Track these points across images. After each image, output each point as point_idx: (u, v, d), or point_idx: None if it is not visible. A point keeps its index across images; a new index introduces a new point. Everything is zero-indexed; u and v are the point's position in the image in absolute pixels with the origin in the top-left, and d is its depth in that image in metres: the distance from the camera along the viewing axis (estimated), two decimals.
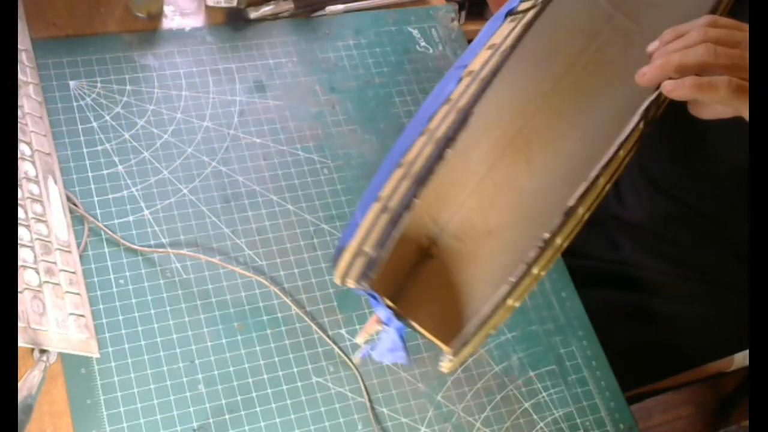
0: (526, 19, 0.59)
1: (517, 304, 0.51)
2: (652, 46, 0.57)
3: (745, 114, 0.52)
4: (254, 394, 0.65)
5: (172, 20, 0.82)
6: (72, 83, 0.75)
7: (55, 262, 0.63)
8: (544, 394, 0.71)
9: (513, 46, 0.58)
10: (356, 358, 0.66)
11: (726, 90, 0.52)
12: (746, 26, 0.54)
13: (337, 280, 0.52)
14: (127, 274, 0.67)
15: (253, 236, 0.72)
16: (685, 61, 0.53)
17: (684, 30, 0.55)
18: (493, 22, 0.63)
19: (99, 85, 0.75)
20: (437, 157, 0.53)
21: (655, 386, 0.95)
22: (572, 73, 0.61)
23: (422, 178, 0.53)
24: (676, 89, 0.53)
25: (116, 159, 0.72)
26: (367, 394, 0.67)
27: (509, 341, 0.72)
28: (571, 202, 0.52)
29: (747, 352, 0.93)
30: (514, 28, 0.59)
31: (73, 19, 0.78)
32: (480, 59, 0.59)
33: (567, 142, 0.59)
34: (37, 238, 0.62)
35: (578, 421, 0.70)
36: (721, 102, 0.53)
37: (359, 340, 0.57)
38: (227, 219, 0.72)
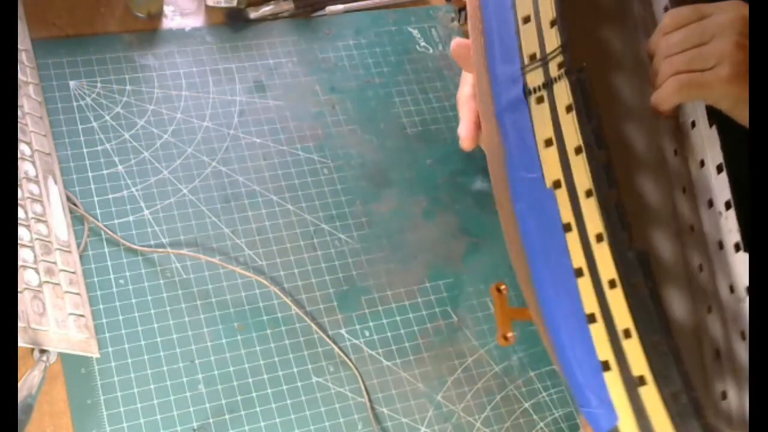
0: (564, 100, 0.49)
1: None
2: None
3: (703, 98, 0.52)
4: (254, 394, 0.65)
5: (172, 20, 0.82)
6: (72, 83, 0.75)
7: (55, 262, 0.63)
8: (544, 394, 0.71)
9: (597, 143, 0.47)
10: None
11: (674, 89, 0.51)
12: (705, 9, 0.52)
13: None
14: (127, 274, 0.67)
15: (253, 236, 0.72)
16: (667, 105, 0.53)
17: (651, 51, 0.54)
18: (514, 108, 0.51)
19: (99, 85, 0.75)
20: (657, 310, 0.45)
21: None
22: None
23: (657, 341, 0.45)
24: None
25: (116, 159, 0.72)
26: (367, 394, 0.67)
27: None
28: None
29: None
30: (555, 113, 0.49)
31: (73, 19, 0.78)
32: (552, 162, 0.49)
33: None
34: (37, 238, 0.62)
35: (578, 421, 0.70)
36: (680, 101, 0.52)
37: None
38: (227, 219, 0.72)
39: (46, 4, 0.78)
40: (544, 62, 0.49)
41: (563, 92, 0.48)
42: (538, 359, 0.72)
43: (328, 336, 0.68)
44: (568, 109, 0.48)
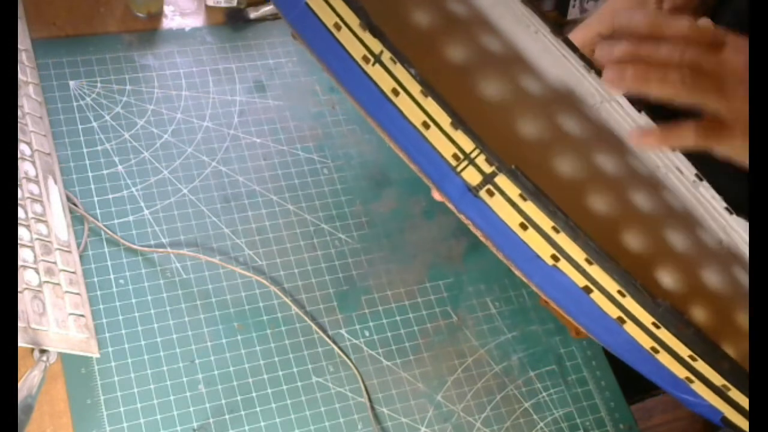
0: (514, 189, 0.49)
1: None
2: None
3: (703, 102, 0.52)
4: (254, 394, 0.65)
5: (172, 20, 0.82)
6: (72, 83, 0.75)
7: (55, 262, 0.63)
8: (544, 394, 0.71)
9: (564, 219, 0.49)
10: None
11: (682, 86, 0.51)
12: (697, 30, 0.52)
13: None
14: (127, 274, 0.67)
15: (253, 236, 0.72)
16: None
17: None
18: (470, 205, 0.52)
19: (99, 85, 0.75)
20: None
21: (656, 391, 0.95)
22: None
23: None
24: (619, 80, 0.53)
25: (116, 159, 0.72)
26: (367, 394, 0.67)
27: (509, 341, 0.72)
28: None
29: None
30: (513, 202, 0.50)
31: (73, 19, 0.78)
32: (539, 242, 0.50)
33: None
34: (37, 238, 0.62)
35: (578, 421, 0.70)
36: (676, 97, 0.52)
37: None
38: (227, 219, 0.72)
39: (46, 4, 0.78)
40: (471, 161, 0.50)
41: (508, 184, 0.49)
42: (538, 359, 0.72)
43: (328, 336, 0.68)
44: (522, 197, 0.49)
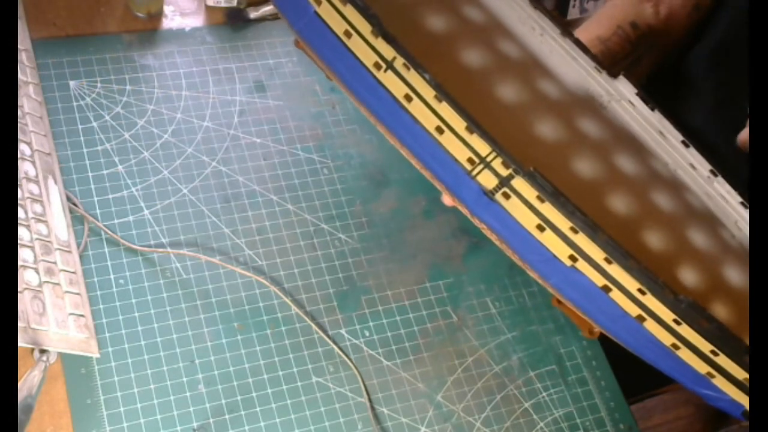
0: (531, 192, 0.49)
1: None
2: None
3: None
4: (254, 394, 0.65)
5: (172, 20, 0.82)
6: (72, 83, 0.75)
7: (55, 262, 0.63)
8: (544, 394, 0.71)
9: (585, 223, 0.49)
10: None
11: None
12: None
13: None
14: (127, 274, 0.67)
15: (253, 236, 0.72)
16: None
17: None
18: (486, 209, 0.51)
19: (99, 85, 0.75)
20: None
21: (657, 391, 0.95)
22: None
23: None
24: None
25: (116, 159, 0.72)
26: (367, 394, 0.67)
27: (509, 341, 0.72)
28: None
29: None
30: (530, 203, 0.49)
31: (73, 19, 0.78)
32: (556, 243, 0.51)
33: None
34: (37, 238, 0.62)
35: (578, 421, 0.70)
36: None
37: None
38: (227, 219, 0.72)
39: (46, 4, 0.78)
40: (487, 165, 0.49)
41: (525, 186, 0.49)
42: (538, 359, 0.72)
43: (328, 336, 0.68)
44: (540, 198, 0.49)
